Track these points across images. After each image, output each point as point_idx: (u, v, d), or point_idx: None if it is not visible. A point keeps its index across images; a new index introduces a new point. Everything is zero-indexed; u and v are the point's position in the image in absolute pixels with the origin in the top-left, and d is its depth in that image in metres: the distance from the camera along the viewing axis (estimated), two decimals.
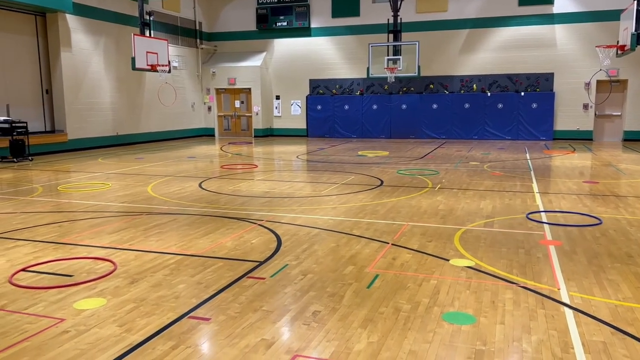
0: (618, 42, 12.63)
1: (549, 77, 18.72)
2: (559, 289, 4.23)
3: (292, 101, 22.01)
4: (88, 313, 3.82)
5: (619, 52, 12.53)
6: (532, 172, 10.88)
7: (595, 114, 18.57)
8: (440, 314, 3.76)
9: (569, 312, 3.77)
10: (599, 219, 6.61)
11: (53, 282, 4.49)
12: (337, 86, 21.25)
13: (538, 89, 18.85)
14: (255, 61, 21.55)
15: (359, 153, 15.13)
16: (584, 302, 3.97)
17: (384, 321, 3.66)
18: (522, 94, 18.86)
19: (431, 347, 3.28)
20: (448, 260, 5.01)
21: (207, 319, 3.71)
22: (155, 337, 3.42)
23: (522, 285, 4.33)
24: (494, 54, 19.23)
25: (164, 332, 3.51)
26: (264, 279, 4.54)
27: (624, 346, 3.26)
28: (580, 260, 4.99)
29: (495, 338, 3.39)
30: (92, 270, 4.78)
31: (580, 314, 3.75)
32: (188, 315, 3.77)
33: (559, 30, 18.43)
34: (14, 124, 13.22)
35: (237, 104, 22.14)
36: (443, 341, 3.35)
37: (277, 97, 22.22)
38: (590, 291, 4.19)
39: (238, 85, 21.72)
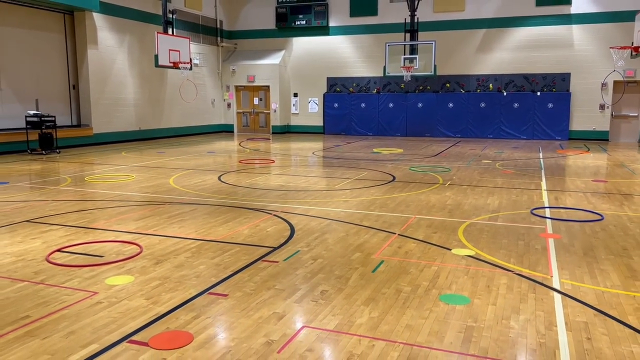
0: (633, 43, 12.72)
1: (565, 77, 18.77)
2: (551, 277, 4.52)
3: (310, 99, 22.39)
4: (118, 288, 4.24)
5: (634, 53, 12.61)
6: (542, 171, 11.08)
7: (612, 115, 18.57)
8: (438, 296, 4.09)
9: (557, 297, 4.08)
10: (601, 215, 6.85)
11: (85, 261, 4.93)
12: (354, 84, 21.56)
13: (554, 89, 18.91)
14: (274, 59, 21.97)
15: (374, 150, 15.44)
16: (573, 288, 4.26)
17: (385, 300, 4.01)
18: (538, 93, 18.95)
19: (426, 322, 3.62)
20: (450, 249, 5.33)
21: (225, 295, 4.10)
22: (179, 309, 3.82)
23: (517, 272, 4.64)
24: (510, 53, 19.34)
25: (187, 304, 3.91)
26: (277, 262, 4.92)
27: (604, 326, 3.56)
28: (577, 252, 5.27)
29: (486, 317, 3.71)
30: (120, 252, 5.22)
31: (567, 298, 4.05)
32: (208, 292, 4.16)
33: (576, 31, 18.47)
34: (43, 118, 13.82)
35: (256, 101, 22.60)
36: (438, 318, 3.69)
37: (295, 95, 22.61)
38: (581, 279, 4.47)
39: (257, 83, 22.17)
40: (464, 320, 3.65)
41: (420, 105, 20.53)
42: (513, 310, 3.82)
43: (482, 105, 19.69)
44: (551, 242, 5.60)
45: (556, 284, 4.34)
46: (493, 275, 4.57)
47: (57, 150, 14.27)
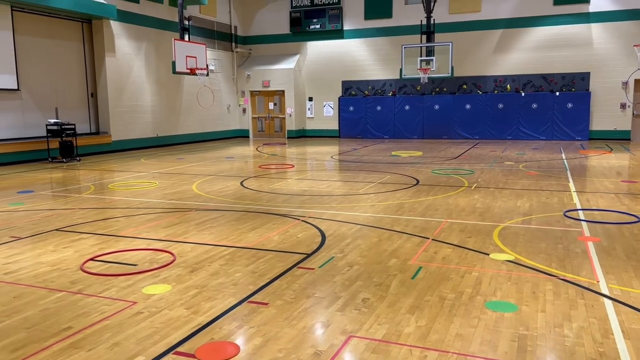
0: None
1: (584, 77, 18.52)
2: (598, 282, 4.39)
3: (325, 102, 22.34)
4: (157, 297, 4.18)
5: None
6: (568, 172, 10.90)
7: (634, 114, 18.27)
8: (484, 303, 3.98)
9: (608, 303, 3.95)
10: (638, 217, 6.68)
11: (120, 270, 4.88)
12: (370, 87, 21.47)
13: (573, 89, 18.67)
14: (289, 64, 21.96)
15: (393, 153, 15.33)
16: (623, 293, 4.13)
17: (430, 308, 3.91)
18: (557, 93, 18.71)
19: (476, 331, 3.51)
20: (488, 254, 5.22)
21: (266, 304, 4.02)
22: (221, 318, 3.75)
23: (561, 277, 4.51)
24: (528, 53, 19.14)
25: (228, 314, 3.84)
26: (313, 269, 4.84)
27: None
28: (619, 255, 5.12)
29: (537, 324, 3.60)
30: (154, 260, 5.17)
31: (619, 304, 3.92)
32: (247, 300, 4.09)
33: (595, 29, 18.23)
34: (63, 126, 13.91)
35: (271, 105, 22.60)
36: (487, 326, 3.58)
37: (310, 99, 22.58)
38: (630, 284, 4.34)
39: (272, 88, 22.17)
40: (515, 329, 3.53)
41: (436, 107, 20.38)
42: (564, 317, 3.70)
43: (500, 106, 19.50)
44: (591, 246, 5.46)
45: (604, 290, 4.21)
46: (537, 280, 4.45)
47: (78, 158, 14.34)
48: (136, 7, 17.03)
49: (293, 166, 12.77)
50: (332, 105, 22.24)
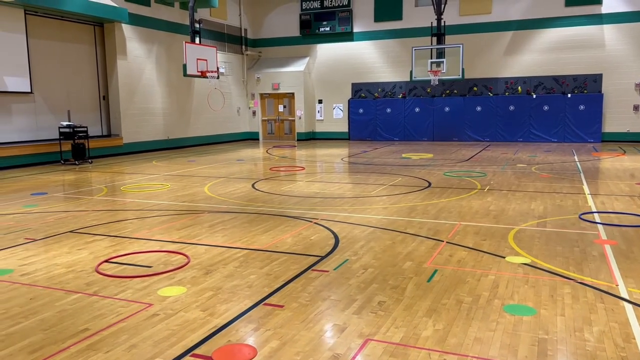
0: None
1: (597, 78, 18.37)
2: (617, 285, 4.33)
3: (335, 105, 22.33)
4: (172, 299, 4.18)
5: None
6: (581, 174, 10.80)
7: None
8: (501, 306, 3.94)
9: (628, 307, 3.89)
10: None
11: (135, 272, 4.89)
12: (380, 89, 21.44)
13: (585, 91, 18.51)
14: (299, 66, 21.99)
15: (403, 155, 15.28)
16: None
17: (447, 311, 3.87)
18: (569, 95, 18.57)
19: (495, 334, 3.47)
20: (504, 257, 5.17)
21: (281, 306, 4.01)
22: (237, 321, 3.74)
23: (579, 281, 4.46)
24: (539, 55, 19.02)
25: (244, 316, 3.83)
26: (327, 271, 4.82)
27: None
28: (638, 259, 5.06)
29: (556, 328, 3.55)
30: (168, 262, 5.18)
31: None
32: (263, 303, 4.08)
33: (608, 31, 18.08)
34: (75, 129, 14.01)
35: (281, 108, 22.63)
36: (506, 330, 3.54)
37: (320, 101, 22.58)
38: None
39: (282, 90, 22.20)
40: (535, 333, 3.49)
41: (447, 109, 20.30)
42: (584, 321, 3.65)
43: (511, 108, 19.38)
44: (608, 249, 5.39)
45: (624, 294, 4.15)
46: (554, 284, 4.40)
47: (89, 161, 14.43)
48: (147, 11, 17.14)
49: (304, 168, 12.77)
50: (341, 108, 22.23)
